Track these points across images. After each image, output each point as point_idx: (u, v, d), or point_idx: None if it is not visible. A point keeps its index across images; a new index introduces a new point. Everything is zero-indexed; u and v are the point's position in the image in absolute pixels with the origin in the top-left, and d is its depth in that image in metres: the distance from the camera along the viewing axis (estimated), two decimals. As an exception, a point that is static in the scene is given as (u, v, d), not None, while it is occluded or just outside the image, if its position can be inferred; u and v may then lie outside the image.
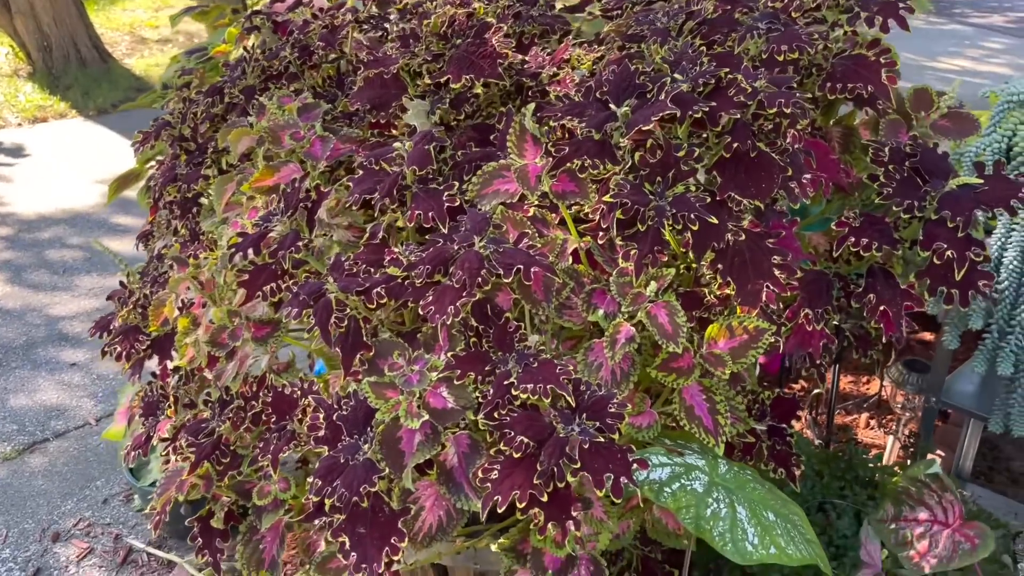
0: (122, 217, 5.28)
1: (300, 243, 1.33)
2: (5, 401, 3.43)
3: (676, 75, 1.27)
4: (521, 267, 1.15)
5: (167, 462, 1.73)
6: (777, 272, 1.30)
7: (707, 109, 1.21)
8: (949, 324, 1.91)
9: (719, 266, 1.29)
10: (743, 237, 1.29)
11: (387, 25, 1.82)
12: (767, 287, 1.30)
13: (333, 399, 1.28)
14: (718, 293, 1.37)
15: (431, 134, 1.34)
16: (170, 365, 1.64)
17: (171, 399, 1.71)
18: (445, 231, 1.24)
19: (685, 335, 1.21)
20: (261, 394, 1.49)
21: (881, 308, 1.42)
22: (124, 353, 1.73)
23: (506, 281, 1.16)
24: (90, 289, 4.37)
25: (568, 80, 1.54)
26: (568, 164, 1.22)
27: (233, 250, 1.37)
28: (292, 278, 1.35)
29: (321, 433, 1.25)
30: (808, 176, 1.35)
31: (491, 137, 1.46)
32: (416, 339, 1.28)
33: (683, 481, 1.27)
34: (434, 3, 1.58)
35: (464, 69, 1.42)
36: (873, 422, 2.86)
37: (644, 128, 1.19)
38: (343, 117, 1.68)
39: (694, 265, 1.36)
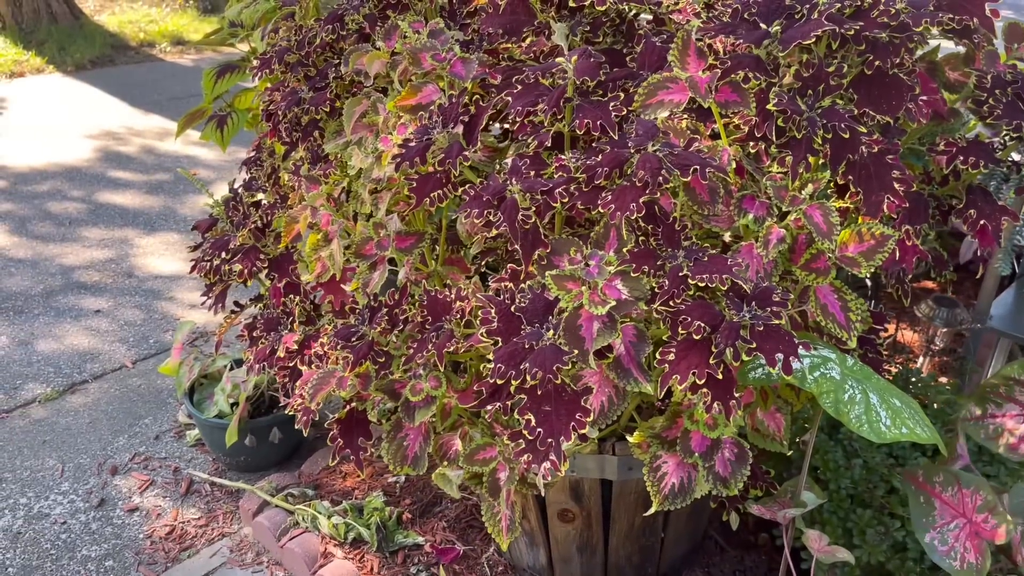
0: (118, 171, 5.23)
1: (465, 153, 1.42)
2: (34, 346, 3.43)
3: (820, -1, 1.38)
4: (697, 167, 1.26)
5: (288, 375, 1.81)
6: (896, 186, 1.44)
7: (858, 27, 1.33)
8: (1002, 252, 2.07)
9: (851, 176, 1.42)
10: (875, 150, 1.41)
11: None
12: (888, 198, 1.43)
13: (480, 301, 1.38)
14: (842, 205, 1.49)
15: (588, 50, 1.43)
16: (305, 278, 1.71)
17: (295, 315, 1.78)
18: (615, 138, 1.34)
19: (838, 234, 1.33)
20: (405, 301, 1.57)
21: (981, 222, 1.56)
22: (247, 270, 1.80)
23: (685, 180, 1.27)
24: (100, 240, 4.34)
25: (688, 9, 1.64)
26: (732, 76, 1.32)
27: (399, 159, 1.44)
28: (456, 187, 1.44)
29: (495, 326, 1.34)
30: (925, 98, 1.48)
31: (627, 59, 1.56)
32: (576, 239, 1.38)
33: (822, 370, 1.40)
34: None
35: (606, -8, 1.52)
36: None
37: (804, 43, 1.30)
38: (460, 45, 1.75)
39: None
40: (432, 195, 1.43)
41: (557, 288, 1.29)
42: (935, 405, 2.22)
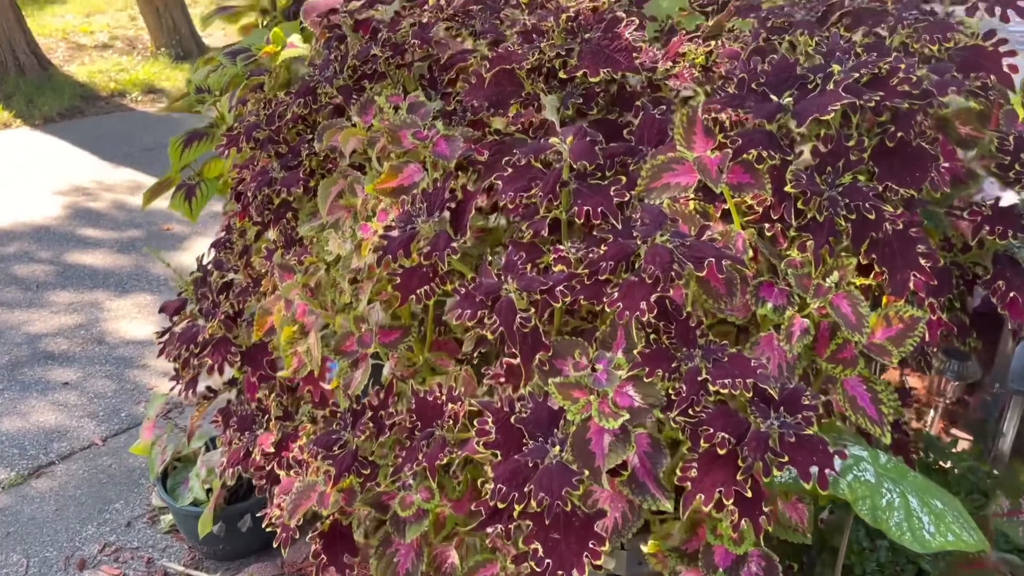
0: (90, 230, 5.07)
1: (454, 244, 1.29)
2: (-2, 425, 3.25)
3: (834, 65, 1.27)
4: (712, 260, 1.14)
5: (265, 479, 1.66)
6: (922, 261, 1.32)
7: (878, 98, 1.21)
8: None
9: (874, 256, 1.30)
10: (899, 226, 1.30)
11: (472, 22, 1.79)
12: (914, 276, 1.31)
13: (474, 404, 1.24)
14: (864, 283, 1.37)
15: (583, 128, 1.31)
16: (281, 374, 1.56)
17: (271, 413, 1.64)
18: (618, 226, 1.21)
19: (869, 325, 1.21)
20: (391, 402, 1.43)
21: (1011, 295, 1.45)
22: (217, 366, 1.65)
23: (699, 275, 1.14)
24: (68, 305, 4.17)
25: (687, 75, 1.53)
26: (744, 155, 1.21)
27: (380, 253, 1.31)
28: (444, 280, 1.31)
29: (493, 438, 1.21)
30: (947, 165, 1.37)
31: (624, 132, 1.44)
32: (581, 339, 1.25)
33: (855, 472, 1.27)
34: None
35: (600, 62, 1.40)
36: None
37: (822, 118, 1.19)
38: (442, 116, 1.63)
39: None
40: (419, 292, 1.30)
41: (562, 398, 1.16)
42: (956, 470, 2.10)
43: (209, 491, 2.43)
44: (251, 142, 1.67)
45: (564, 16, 1.41)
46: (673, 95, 1.53)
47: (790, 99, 1.26)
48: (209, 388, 2.13)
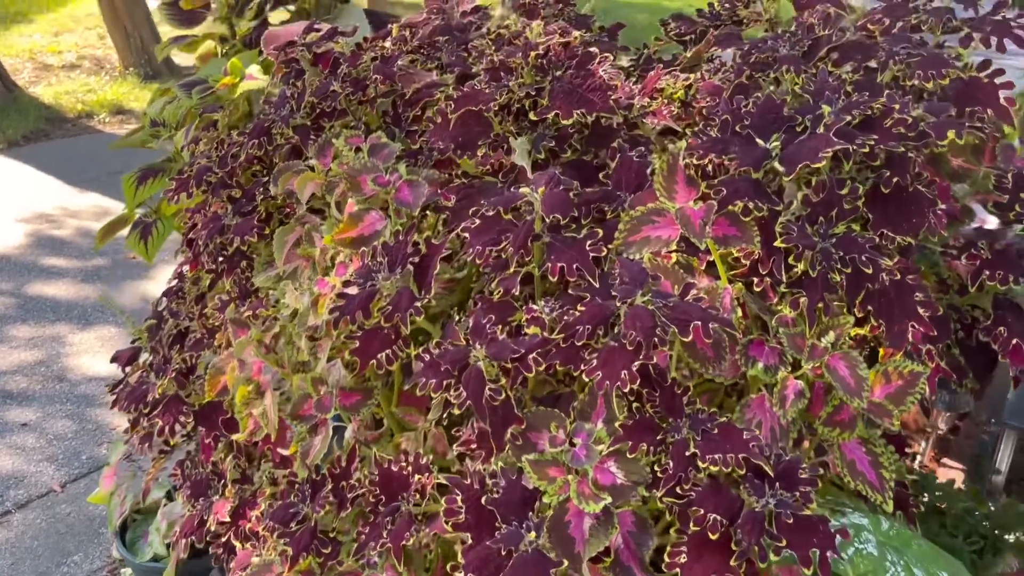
0: (52, 259, 4.91)
1: (417, 303, 1.18)
2: (-49, 471, 3.10)
3: (824, 106, 1.18)
4: (699, 323, 1.04)
5: (222, 548, 1.55)
6: (920, 310, 1.23)
7: (872, 142, 1.12)
8: None
9: (870, 308, 1.21)
10: (898, 277, 1.21)
11: (438, 54, 1.69)
12: (912, 326, 1.22)
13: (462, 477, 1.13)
14: (859, 333, 1.28)
15: (556, 176, 1.21)
16: (236, 437, 1.45)
17: (227, 479, 1.52)
18: (595, 284, 1.11)
19: (868, 388, 1.11)
20: (354, 470, 1.33)
21: (1014, 341, 1.37)
22: (168, 428, 1.54)
23: (686, 340, 1.04)
24: (28, 340, 4.02)
25: (665, 112, 1.44)
26: (730, 207, 1.11)
27: (337, 313, 1.20)
28: (407, 343, 1.20)
29: (462, 518, 1.10)
30: (944, 207, 1.29)
31: (600, 175, 1.35)
32: (557, 410, 1.15)
33: (857, 545, 1.18)
34: (506, 31, 1.45)
35: (573, 103, 1.30)
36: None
37: (814, 165, 1.10)
38: (407, 156, 1.53)
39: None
40: (379, 357, 1.19)
41: (537, 477, 1.06)
42: (953, 512, 2.02)
43: (170, 546, 2.30)
44: (202, 186, 1.56)
45: (534, 54, 1.31)
46: (652, 132, 1.44)
47: (777, 143, 1.17)
48: (166, 442, 2.01)
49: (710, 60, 1.65)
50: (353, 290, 1.23)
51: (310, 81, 1.65)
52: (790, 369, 1.16)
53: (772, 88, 1.33)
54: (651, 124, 1.42)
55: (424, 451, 1.39)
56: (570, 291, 1.14)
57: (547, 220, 1.15)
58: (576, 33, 1.37)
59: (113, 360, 1.94)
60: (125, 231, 2.34)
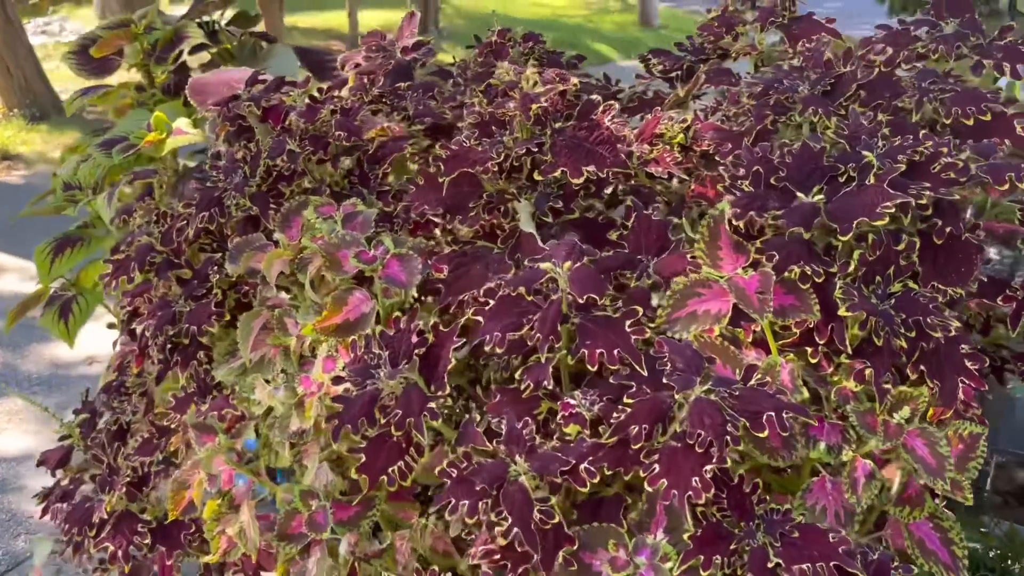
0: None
1: (431, 404, 1.01)
2: None
3: (865, 152, 1.07)
4: (772, 414, 0.91)
5: None
6: (969, 364, 1.13)
7: (928, 192, 1.02)
8: None
9: (922, 367, 1.10)
10: (952, 333, 1.11)
11: (403, 103, 1.53)
12: (963, 382, 1.13)
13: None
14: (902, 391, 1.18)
15: (577, 246, 1.06)
16: (206, 559, 1.25)
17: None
18: (642, 372, 0.97)
19: (952, 468, 1.00)
20: (358, 595, 1.14)
21: (1054, 385, 1.29)
22: (121, 552, 1.31)
23: (760, 435, 0.91)
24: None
25: (668, 159, 1.31)
26: (786, 273, 0.99)
27: (336, 422, 1.03)
28: (420, 451, 1.03)
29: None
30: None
31: (609, 234, 1.21)
32: (599, 513, 1.00)
33: (937, 633, 1.06)
34: (498, 81, 1.30)
35: (581, 159, 1.16)
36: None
37: (873, 223, 0.98)
38: (381, 219, 1.36)
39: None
40: (391, 471, 1.01)
41: (603, 609, 0.90)
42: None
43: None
44: (146, 267, 1.35)
45: (535, 106, 1.16)
46: (657, 184, 1.32)
47: (821, 196, 1.05)
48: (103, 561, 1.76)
49: (695, 97, 1.54)
50: (346, 389, 1.05)
51: (262, 140, 1.46)
52: (855, 448, 1.04)
53: (792, 133, 1.22)
54: (655, 171, 1.29)
55: (425, 552, 1.22)
56: (611, 379, 1.00)
57: (579, 300, 1.00)
58: (575, 80, 1.23)
59: (40, 463, 1.69)
60: (38, 309, 2.07)
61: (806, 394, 1.00)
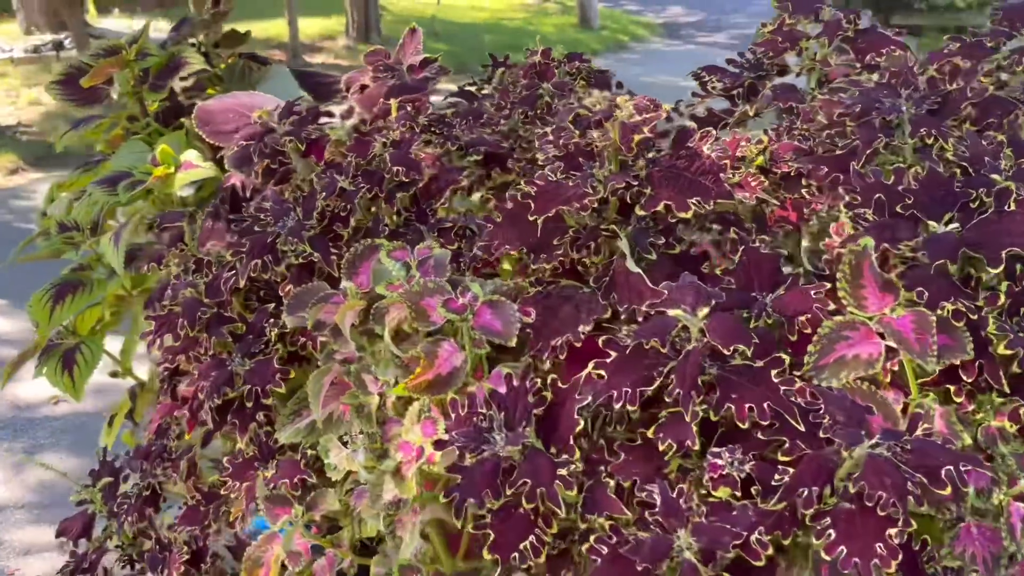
0: None
1: (563, 471, 0.92)
2: None
3: (991, 175, 1.02)
4: (951, 469, 0.84)
5: None
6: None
7: (1071, 216, 0.97)
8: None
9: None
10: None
11: (454, 132, 1.43)
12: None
13: None
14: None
15: (702, 288, 0.98)
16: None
17: None
18: (799, 427, 0.90)
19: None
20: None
21: None
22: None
23: (943, 494, 0.84)
24: None
25: (754, 183, 1.24)
26: (938, 311, 0.92)
27: (455, 499, 0.93)
28: (549, 522, 0.94)
29: None
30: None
31: (702, 267, 1.14)
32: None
33: None
34: (586, 111, 1.21)
35: (685, 190, 1.08)
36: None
37: (1026, 254, 0.92)
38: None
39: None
40: (523, 548, 0.92)
41: None
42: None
43: None
44: (196, 325, 1.23)
45: (637, 137, 1.08)
46: (746, 210, 1.25)
47: (956, 225, 0.99)
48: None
49: (755, 115, 1.48)
50: (469, 466, 0.95)
51: (304, 176, 1.35)
52: (1006, 490, 0.98)
53: (891, 156, 1.16)
54: (743, 197, 1.22)
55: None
56: (759, 435, 0.92)
57: (723, 351, 0.92)
58: (666, 106, 1.15)
59: (60, 534, 1.55)
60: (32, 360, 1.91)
61: (967, 440, 0.94)
